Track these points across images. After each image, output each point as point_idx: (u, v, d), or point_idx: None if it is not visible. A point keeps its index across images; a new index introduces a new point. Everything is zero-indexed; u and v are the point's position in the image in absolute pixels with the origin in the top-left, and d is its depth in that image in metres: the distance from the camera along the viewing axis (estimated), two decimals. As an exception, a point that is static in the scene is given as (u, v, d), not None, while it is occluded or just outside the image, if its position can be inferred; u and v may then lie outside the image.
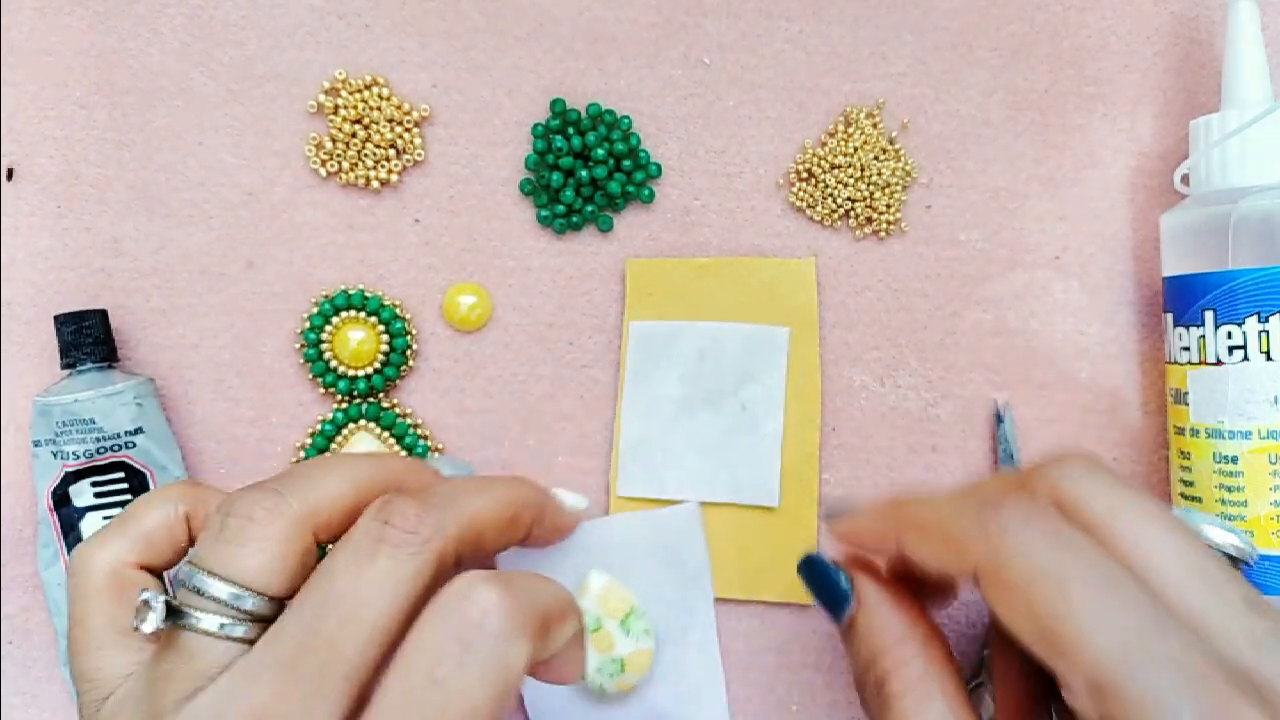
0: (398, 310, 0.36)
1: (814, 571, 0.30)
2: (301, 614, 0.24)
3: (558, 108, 0.36)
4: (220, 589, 0.25)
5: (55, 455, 0.33)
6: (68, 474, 0.33)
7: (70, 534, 0.34)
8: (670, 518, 0.36)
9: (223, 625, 0.24)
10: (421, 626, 0.24)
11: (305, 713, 0.23)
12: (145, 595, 0.25)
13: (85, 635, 0.26)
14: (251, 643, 0.24)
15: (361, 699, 0.23)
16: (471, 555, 0.27)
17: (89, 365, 0.34)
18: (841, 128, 0.37)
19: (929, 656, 0.27)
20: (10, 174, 0.36)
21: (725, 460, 0.36)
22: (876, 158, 0.37)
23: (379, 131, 0.36)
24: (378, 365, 0.36)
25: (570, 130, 0.36)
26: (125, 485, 0.34)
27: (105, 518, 0.34)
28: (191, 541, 0.27)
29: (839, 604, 0.29)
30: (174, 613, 0.25)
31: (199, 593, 0.25)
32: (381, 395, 0.36)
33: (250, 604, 0.25)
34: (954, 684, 0.26)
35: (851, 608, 0.28)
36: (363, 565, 0.24)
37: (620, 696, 0.35)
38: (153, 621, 0.24)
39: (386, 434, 0.36)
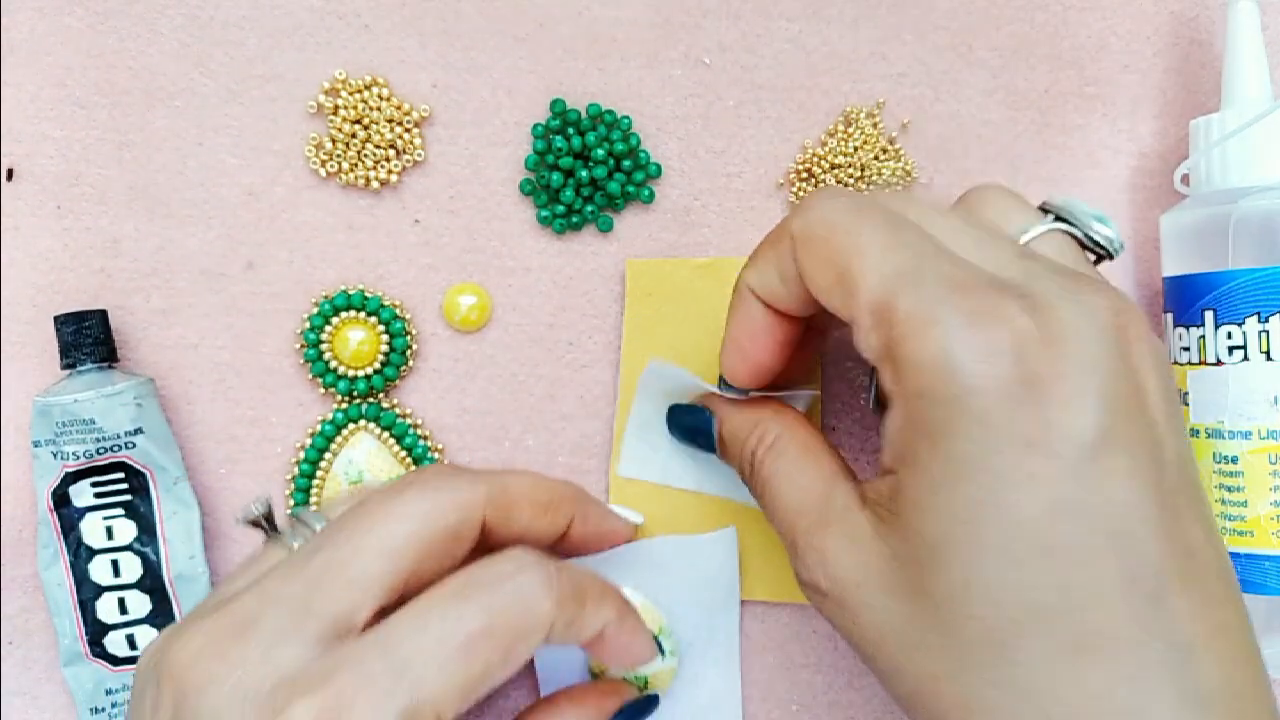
0: (398, 310, 0.36)
1: (677, 415, 0.34)
2: (329, 528, 0.26)
3: (558, 108, 0.36)
4: (317, 520, 0.28)
5: (55, 455, 0.33)
6: (67, 474, 0.33)
7: (70, 534, 0.34)
8: (708, 544, 0.35)
9: (298, 542, 0.27)
10: (458, 572, 0.26)
11: (297, 607, 0.24)
12: (259, 498, 0.28)
13: None
14: None
15: (365, 620, 0.25)
16: (503, 523, 0.28)
17: (89, 365, 0.34)
18: (841, 128, 0.37)
19: (782, 420, 0.30)
20: (10, 174, 0.36)
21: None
22: (876, 158, 0.37)
23: (379, 132, 0.36)
24: (378, 365, 0.36)
25: (570, 130, 0.36)
26: (125, 485, 0.34)
27: (105, 518, 0.34)
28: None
29: (706, 427, 0.32)
30: (272, 526, 0.28)
31: (300, 521, 0.28)
32: (381, 395, 0.36)
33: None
34: (805, 433, 0.29)
35: (715, 425, 0.31)
36: (390, 497, 0.26)
37: None
38: (251, 512, 0.28)
39: (386, 434, 0.36)
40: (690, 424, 0.33)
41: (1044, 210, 0.28)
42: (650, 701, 0.33)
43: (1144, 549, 0.22)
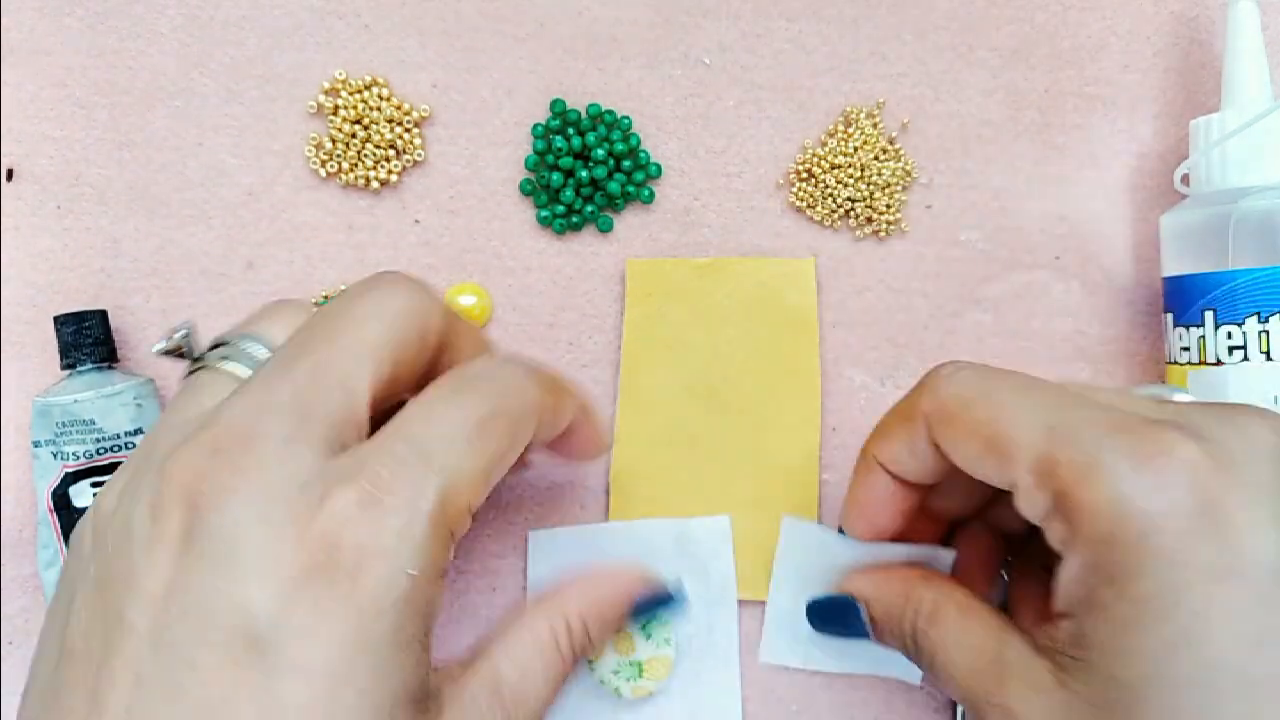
0: (398, 310, 0.36)
1: (819, 610, 0.33)
2: (296, 334, 0.25)
3: (558, 108, 0.36)
4: (244, 342, 0.26)
5: (55, 456, 0.33)
6: (68, 474, 0.33)
7: (70, 534, 0.34)
8: (700, 529, 0.35)
9: (235, 366, 0.25)
10: (447, 373, 0.25)
11: (294, 414, 0.23)
12: (180, 323, 0.27)
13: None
14: None
15: (356, 422, 0.23)
16: (451, 349, 0.27)
17: (89, 366, 0.34)
18: (841, 128, 0.37)
19: (932, 586, 0.29)
20: (10, 174, 0.36)
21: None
22: (876, 158, 0.37)
23: (379, 132, 0.36)
24: (378, 365, 0.36)
25: (570, 130, 0.36)
26: (125, 486, 0.34)
27: (105, 518, 0.34)
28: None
29: (856, 617, 0.31)
30: (193, 356, 0.26)
31: (226, 344, 0.26)
32: (381, 395, 0.36)
33: (264, 352, 0.25)
34: (961, 595, 0.28)
35: (865, 612, 0.31)
36: (359, 295, 0.25)
37: (635, 703, 0.35)
38: (172, 339, 0.27)
39: (386, 434, 0.36)
40: (838, 618, 0.32)
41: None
42: (675, 596, 0.33)
43: None
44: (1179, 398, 0.28)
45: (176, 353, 0.27)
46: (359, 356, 0.24)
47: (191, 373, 0.26)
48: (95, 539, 0.23)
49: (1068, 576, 0.24)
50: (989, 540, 0.32)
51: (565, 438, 0.29)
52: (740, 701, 0.36)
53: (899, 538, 0.31)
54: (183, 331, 0.27)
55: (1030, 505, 0.25)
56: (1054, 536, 0.24)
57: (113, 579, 0.21)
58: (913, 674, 0.35)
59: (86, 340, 0.34)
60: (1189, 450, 0.23)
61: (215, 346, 0.26)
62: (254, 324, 0.27)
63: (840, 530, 0.32)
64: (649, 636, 0.33)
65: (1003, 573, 0.32)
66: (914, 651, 0.29)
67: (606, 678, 0.34)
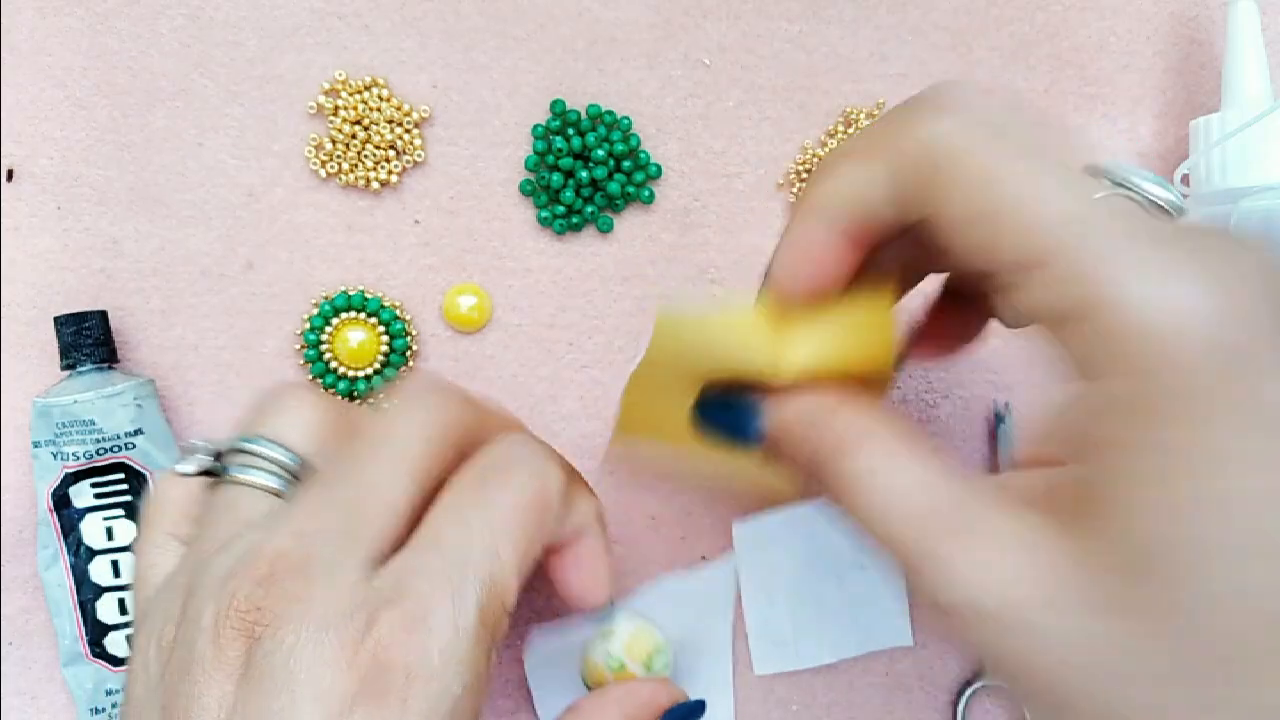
0: (398, 311, 0.36)
1: (709, 410, 0.27)
2: (334, 456, 0.26)
3: (557, 108, 0.36)
4: (263, 446, 0.26)
5: (55, 456, 0.33)
6: (68, 475, 0.33)
7: (70, 535, 0.34)
8: (707, 576, 0.36)
9: (263, 477, 0.26)
10: (471, 464, 0.26)
11: (340, 538, 0.23)
12: (194, 441, 0.27)
13: (148, 535, 0.27)
14: None
15: (396, 538, 0.24)
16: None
17: (89, 366, 0.34)
18: (841, 128, 0.37)
19: (861, 409, 0.24)
20: (10, 174, 0.36)
21: (843, 625, 0.36)
22: (876, 158, 0.37)
23: (379, 132, 0.36)
24: (378, 366, 0.36)
25: (570, 131, 0.36)
26: (125, 486, 0.34)
27: (105, 519, 0.34)
28: None
29: (747, 424, 0.26)
30: (217, 471, 0.27)
31: (242, 451, 0.26)
32: (382, 396, 0.36)
33: (288, 459, 0.26)
34: (896, 420, 0.24)
35: (759, 419, 0.26)
36: (395, 414, 0.26)
37: None
38: (194, 463, 0.27)
39: (386, 434, 0.36)
40: (727, 419, 0.27)
41: (1093, 174, 0.24)
42: (699, 707, 0.31)
43: None
44: (1150, 186, 0.23)
45: (206, 472, 0.27)
46: (400, 477, 0.25)
47: (215, 484, 0.27)
48: (160, 662, 0.24)
49: (1081, 407, 0.20)
50: (949, 311, 0.28)
51: (571, 552, 0.28)
52: (733, 704, 0.36)
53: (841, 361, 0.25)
54: (204, 450, 0.27)
55: (1031, 299, 0.20)
56: (1069, 350, 0.20)
57: (177, 703, 0.22)
58: (904, 638, 0.35)
59: (86, 341, 0.34)
60: (1242, 276, 0.19)
61: (231, 451, 0.27)
62: (263, 421, 0.27)
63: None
64: (649, 669, 0.33)
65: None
66: (827, 478, 0.24)
67: None
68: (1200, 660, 0.19)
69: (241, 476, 0.26)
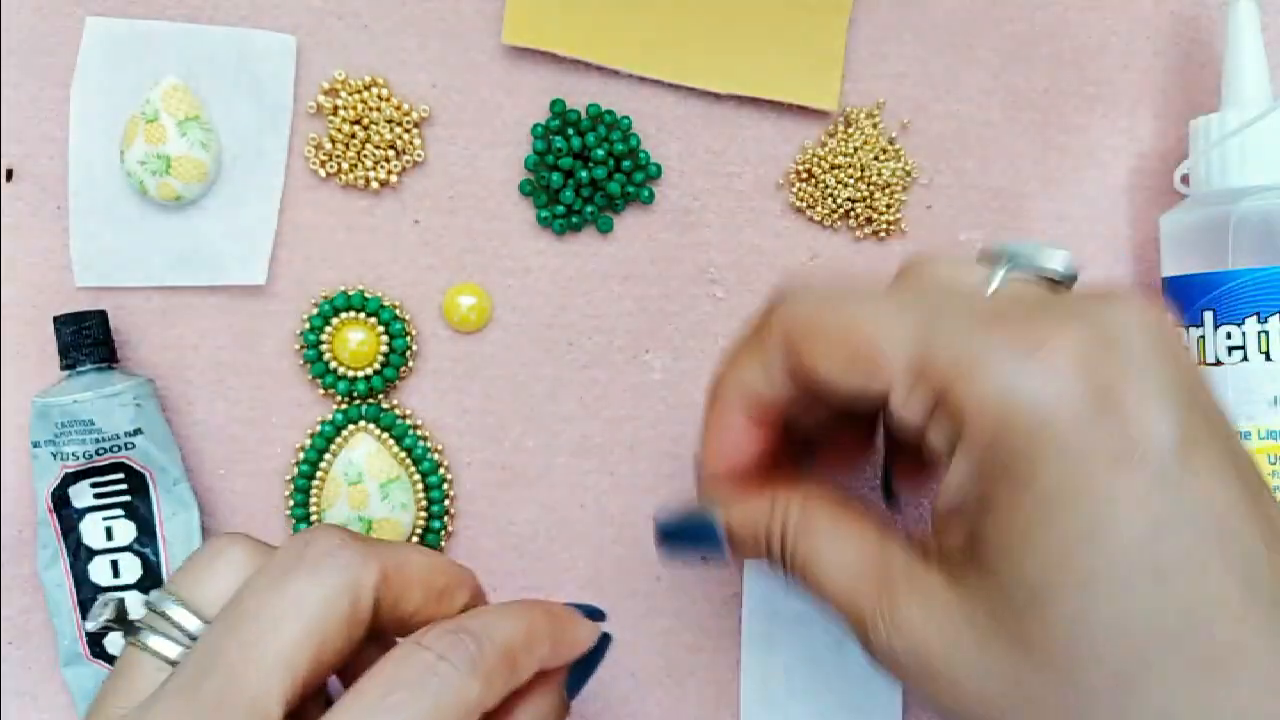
0: (397, 311, 0.36)
1: (671, 535, 0.29)
2: (208, 637, 0.24)
3: (557, 108, 0.36)
4: (171, 607, 0.25)
5: (55, 456, 0.33)
6: (67, 475, 0.33)
7: (70, 535, 0.34)
8: (260, 40, 0.35)
9: (162, 644, 0.24)
10: (372, 670, 0.23)
11: None
12: (106, 597, 0.25)
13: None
14: None
15: None
16: (391, 606, 0.25)
17: (88, 366, 0.34)
18: (841, 128, 0.37)
19: (794, 497, 0.27)
20: (10, 174, 0.36)
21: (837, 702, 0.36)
22: (876, 158, 0.37)
23: (378, 132, 0.36)
24: (377, 366, 0.36)
25: (570, 131, 0.36)
26: (125, 486, 0.34)
27: (105, 519, 0.34)
28: None
29: (711, 535, 0.28)
30: (127, 625, 0.25)
31: (156, 611, 0.25)
32: (381, 396, 0.36)
33: (193, 625, 0.24)
34: (829, 499, 0.27)
35: (721, 527, 0.28)
36: (274, 586, 0.24)
37: (166, 205, 0.34)
38: (97, 620, 0.25)
39: (386, 435, 0.36)
40: (692, 537, 0.29)
41: (986, 260, 0.26)
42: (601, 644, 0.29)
43: (1251, 549, 0.21)
44: (1042, 257, 0.26)
45: (109, 629, 0.25)
46: (271, 670, 0.22)
47: (128, 640, 0.25)
48: None
49: (957, 479, 0.23)
50: (850, 434, 0.30)
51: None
52: (274, 229, 0.35)
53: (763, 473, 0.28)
54: (111, 610, 0.25)
55: (908, 410, 0.23)
56: (937, 439, 0.23)
57: None
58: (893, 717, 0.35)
59: (86, 341, 0.34)
60: (1071, 334, 0.21)
61: (147, 608, 0.25)
62: (187, 580, 0.26)
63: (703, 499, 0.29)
64: (184, 134, 0.31)
65: (881, 472, 0.31)
66: (786, 569, 0.27)
67: (131, 168, 0.32)
68: (1089, 681, 0.21)
69: (143, 640, 0.25)
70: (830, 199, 0.37)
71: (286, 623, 0.23)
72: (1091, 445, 0.21)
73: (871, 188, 0.37)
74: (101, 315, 0.34)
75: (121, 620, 0.25)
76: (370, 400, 0.36)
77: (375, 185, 0.36)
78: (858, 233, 0.37)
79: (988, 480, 0.22)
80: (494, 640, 0.24)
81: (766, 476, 0.28)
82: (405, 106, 0.36)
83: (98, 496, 0.34)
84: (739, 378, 0.27)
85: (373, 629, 0.25)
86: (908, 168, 0.37)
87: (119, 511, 0.34)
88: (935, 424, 0.23)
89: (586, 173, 0.36)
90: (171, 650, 0.24)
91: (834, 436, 0.31)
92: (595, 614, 0.29)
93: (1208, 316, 0.33)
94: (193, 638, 0.24)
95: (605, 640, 0.29)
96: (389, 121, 0.36)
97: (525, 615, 0.26)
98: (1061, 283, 0.26)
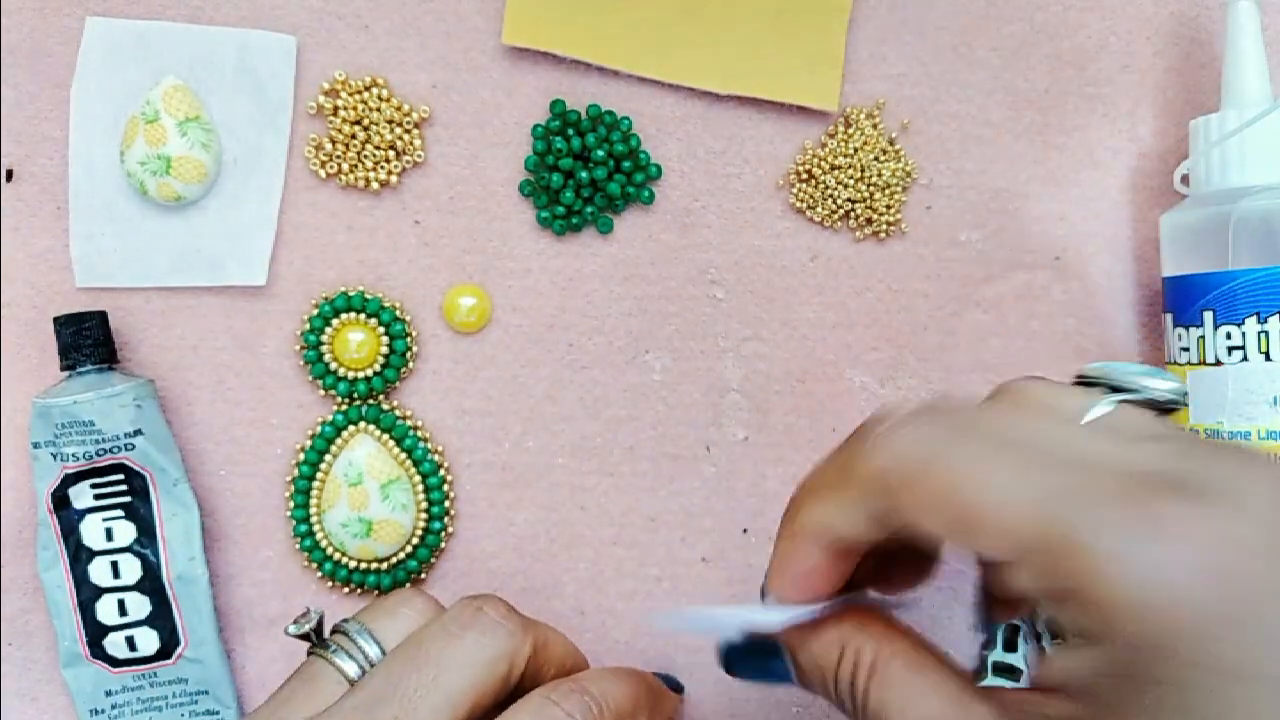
0: (398, 312, 0.36)
1: (738, 662, 0.28)
2: (387, 668, 0.27)
3: (557, 109, 0.36)
4: (359, 636, 0.29)
5: (55, 457, 0.33)
6: (67, 475, 0.33)
7: (70, 536, 0.34)
8: (259, 40, 0.35)
9: (345, 661, 0.28)
10: (507, 714, 0.27)
11: None
12: (314, 611, 0.29)
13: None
14: None
15: None
16: (531, 676, 0.29)
17: (88, 367, 0.34)
18: (841, 128, 0.37)
19: (870, 635, 0.25)
20: (10, 174, 0.36)
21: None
22: (876, 158, 0.37)
23: (379, 133, 0.36)
24: (378, 367, 0.36)
25: (570, 131, 0.36)
26: (125, 487, 0.34)
27: (105, 520, 0.34)
28: None
29: (777, 662, 0.27)
30: (322, 640, 0.29)
31: (345, 634, 0.29)
32: (382, 397, 0.36)
33: (375, 654, 0.29)
34: (906, 645, 0.25)
35: (786, 658, 0.27)
36: (452, 637, 0.28)
37: (166, 206, 0.34)
38: (302, 625, 0.29)
39: (386, 436, 0.36)
40: (758, 666, 0.28)
41: (1086, 383, 0.25)
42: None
43: None
44: (1149, 382, 0.24)
45: (305, 637, 0.29)
46: (439, 708, 0.26)
47: (310, 653, 0.29)
48: None
49: (1080, 663, 0.22)
50: (924, 559, 0.29)
51: None
52: (273, 234, 0.35)
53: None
54: (312, 621, 0.29)
55: (1024, 583, 0.22)
56: (1064, 618, 0.22)
57: None
58: None
59: (86, 341, 0.34)
60: (1209, 526, 0.20)
61: (336, 632, 0.30)
62: (375, 616, 0.30)
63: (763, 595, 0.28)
64: (184, 135, 0.31)
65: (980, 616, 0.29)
66: (851, 713, 0.26)
67: (131, 168, 0.32)
68: None
69: (327, 654, 0.29)
70: (830, 200, 0.37)
71: (457, 671, 0.27)
72: (1221, 658, 0.20)
73: (871, 188, 0.37)
74: (101, 316, 0.34)
75: (319, 634, 0.29)
76: (370, 401, 0.36)
77: (375, 186, 0.36)
78: (858, 233, 0.37)
79: (1114, 676, 0.21)
80: (610, 705, 0.28)
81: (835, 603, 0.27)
82: (405, 107, 0.36)
83: (98, 497, 0.34)
84: (821, 514, 0.25)
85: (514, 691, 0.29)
86: (908, 168, 0.37)
87: (119, 512, 0.34)
88: (1058, 606, 0.21)
89: (586, 173, 0.36)
90: (353, 670, 0.28)
91: (905, 558, 0.29)
92: (676, 687, 0.33)
93: (1208, 316, 0.33)
94: (371, 664, 0.28)
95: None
96: (389, 122, 0.36)
97: (634, 684, 0.29)
98: (1169, 408, 0.25)
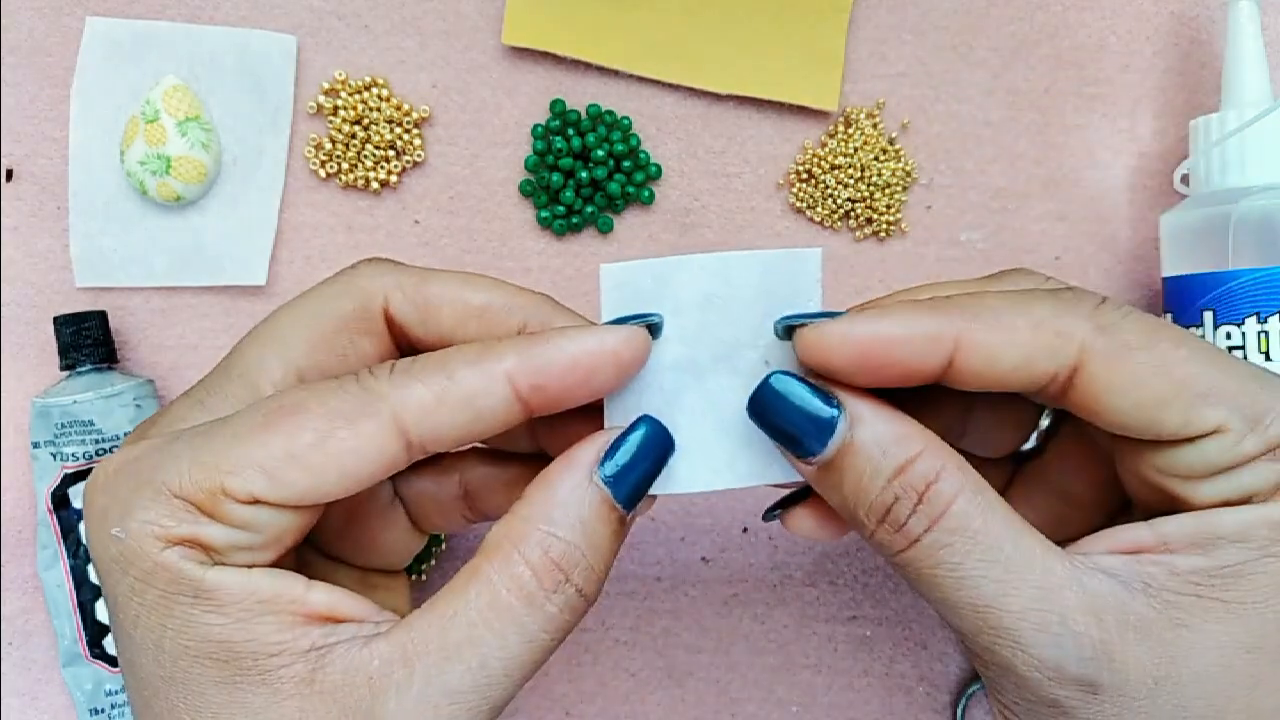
0: (397, 311, 0.36)
1: (781, 392, 0.23)
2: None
3: (557, 108, 0.36)
4: None
5: (54, 457, 0.33)
6: (67, 475, 0.33)
7: (69, 535, 0.34)
8: (259, 40, 0.35)
9: None
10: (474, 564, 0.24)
11: (202, 397, 0.24)
12: None
13: None
14: None
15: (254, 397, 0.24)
16: (420, 325, 0.25)
17: (88, 367, 0.34)
18: (841, 128, 0.37)
19: (954, 463, 0.22)
20: (10, 174, 0.36)
21: (751, 434, 0.25)
22: (876, 158, 0.37)
23: (379, 132, 0.36)
24: (378, 366, 0.36)
25: (570, 131, 0.36)
26: (125, 486, 0.34)
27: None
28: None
29: (822, 423, 0.22)
30: None
31: None
32: (381, 396, 0.36)
33: None
34: (991, 493, 0.22)
35: (843, 420, 0.22)
36: (294, 300, 0.26)
37: (166, 205, 0.34)
38: None
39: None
40: (803, 406, 0.23)
41: None
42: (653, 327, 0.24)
43: None
44: None
45: None
46: (264, 349, 0.25)
47: None
48: None
49: (1260, 516, 0.21)
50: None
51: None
52: (274, 233, 0.35)
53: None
54: None
55: (1229, 452, 0.22)
56: (1251, 479, 0.22)
57: None
58: (791, 474, 0.25)
59: (86, 341, 0.34)
60: None
61: None
62: None
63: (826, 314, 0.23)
64: (184, 135, 0.31)
65: None
66: (888, 542, 0.22)
67: (132, 168, 0.32)
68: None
69: None
70: (830, 199, 0.37)
71: (285, 316, 0.25)
72: None
73: (871, 188, 0.37)
74: (101, 316, 0.34)
75: None
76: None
77: (375, 185, 0.36)
78: (858, 233, 0.37)
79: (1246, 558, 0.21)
80: (588, 562, 0.23)
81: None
82: (405, 107, 0.36)
83: (98, 497, 0.34)
84: (983, 338, 0.22)
85: (405, 342, 0.26)
86: (908, 168, 0.37)
87: (119, 512, 0.34)
88: (1258, 468, 0.22)
89: (586, 173, 0.36)
90: None
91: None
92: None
93: (1208, 316, 0.33)
94: None
95: (649, 429, 0.24)
96: (389, 122, 0.36)
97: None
98: None
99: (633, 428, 0.24)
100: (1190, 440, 0.22)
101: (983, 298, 0.23)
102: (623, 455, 0.23)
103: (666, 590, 0.37)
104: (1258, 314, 0.32)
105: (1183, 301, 0.34)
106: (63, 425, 0.33)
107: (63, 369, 0.34)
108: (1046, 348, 0.22)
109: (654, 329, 0.24)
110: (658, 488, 0.25)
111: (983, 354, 0.22)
